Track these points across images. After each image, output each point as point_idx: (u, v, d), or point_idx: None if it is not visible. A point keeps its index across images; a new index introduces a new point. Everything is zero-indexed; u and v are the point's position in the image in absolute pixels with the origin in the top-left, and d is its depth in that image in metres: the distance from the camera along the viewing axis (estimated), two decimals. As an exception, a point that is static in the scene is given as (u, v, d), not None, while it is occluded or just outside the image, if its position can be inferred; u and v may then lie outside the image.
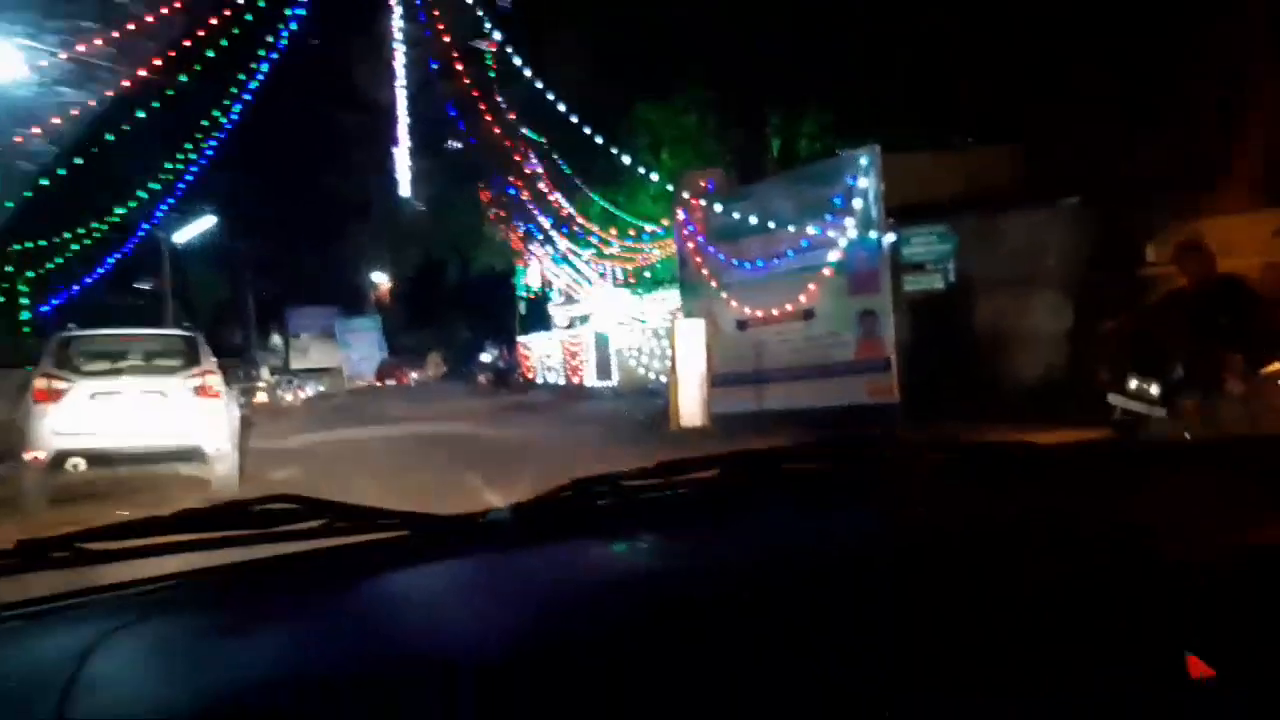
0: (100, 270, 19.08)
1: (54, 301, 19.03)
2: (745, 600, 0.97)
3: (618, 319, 24.27)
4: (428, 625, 1.00)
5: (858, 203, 12.06)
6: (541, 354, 26.67)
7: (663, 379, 20.70)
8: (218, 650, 0.97)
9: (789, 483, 1.47)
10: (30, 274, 18.00)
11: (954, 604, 0.96)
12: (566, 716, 0.80)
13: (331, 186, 31.54)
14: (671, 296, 23.24)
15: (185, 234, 27.41)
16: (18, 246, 17.25)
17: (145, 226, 19.68)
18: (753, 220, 13.31)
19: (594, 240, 20.70)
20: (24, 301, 18.11)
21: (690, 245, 14.22)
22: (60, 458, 7.97)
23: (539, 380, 26.77)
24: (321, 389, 35.00)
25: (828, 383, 12.15)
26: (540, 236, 23.48)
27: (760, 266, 13.26)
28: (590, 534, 1.31)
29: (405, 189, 24.90)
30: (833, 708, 0.83)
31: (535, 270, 29.35)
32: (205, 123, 17.63)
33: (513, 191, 20.55)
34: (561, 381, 24.56)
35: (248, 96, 17.79)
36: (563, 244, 22.58)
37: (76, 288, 18.86)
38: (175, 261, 27.60)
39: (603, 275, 24.45)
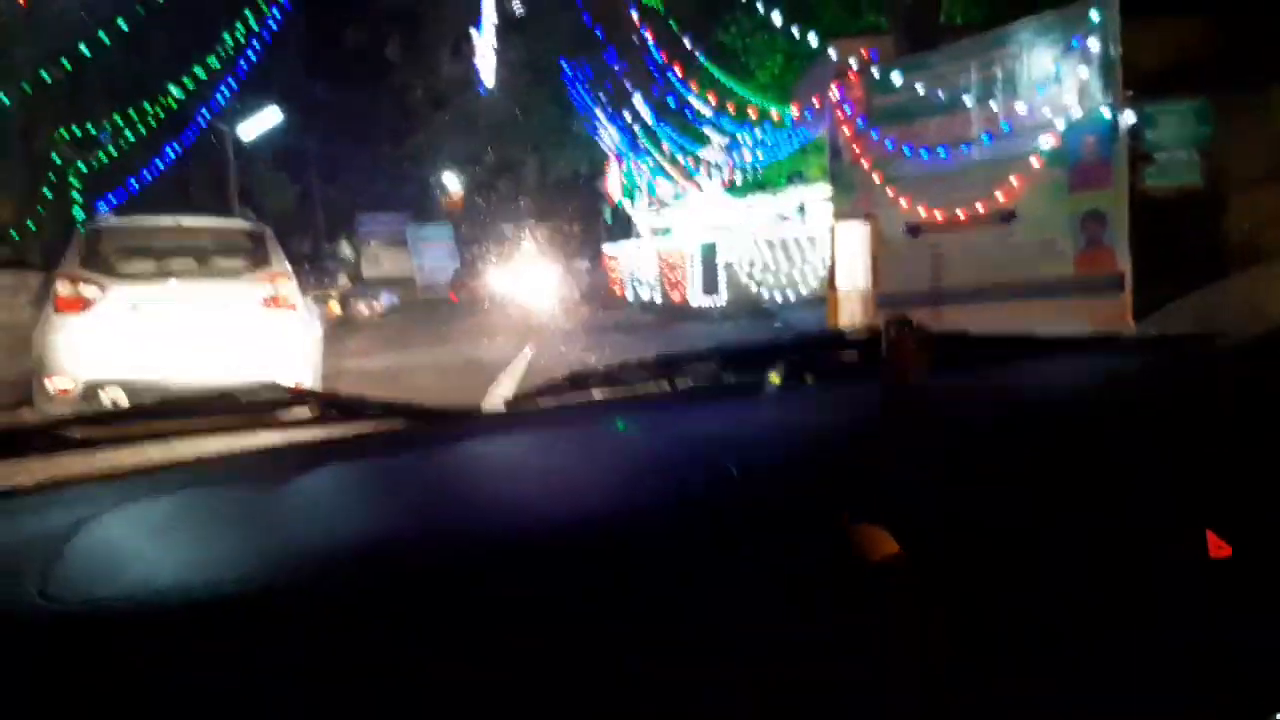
0: (159, 162, 17.10)
1: (110, 198, 17.12)
2: (737, 480, 0.94)
3: (709, 226, 21.94)
4: (421, 507, 0.96)
5: (1084, 71, 9.50)
6: (632, 267, 24.35)
7: (777, 296, 18.44)
8: (205, 531, 0.94)
9: (789, 371, 1.37)
10: (81, 165, 16.07)
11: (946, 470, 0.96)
12: (557, 600, 0.76)
13: (402, 79, 29.20)
14: (776, 201, 20.86)
15: (250, 129, 25.46)
16: (65, 133, 15.28)
17: (205, 114, 17.61)
18: (934, 96, 10.78)
19: (707, 128, 18.19)
20: (75, 196, 16.23)
21: (847, 130, 11.74)
22: (91, 389, 5.98)
23: (629, 297, 24.54)
24: (394, 300, 33.47)
25: (1034, 304, 9.76)
26: (633, 129, 20.96)
27: (943, 156, 10.77)
28: (585, 424, 1.24)
29: (488, 78, 22.41)
30: (839, 571, 0.81)
31: (615, 175, 26.94)
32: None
33: (614, 65, 18.03)
34: (657, 299, 22.29)
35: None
36: (662, 136, 20.09)
37: (134, 181, 16.93)
38: (240, 161, 25.77)
39: (696, 175, 21.93)
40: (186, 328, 6.33)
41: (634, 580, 0.77)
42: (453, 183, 41.09)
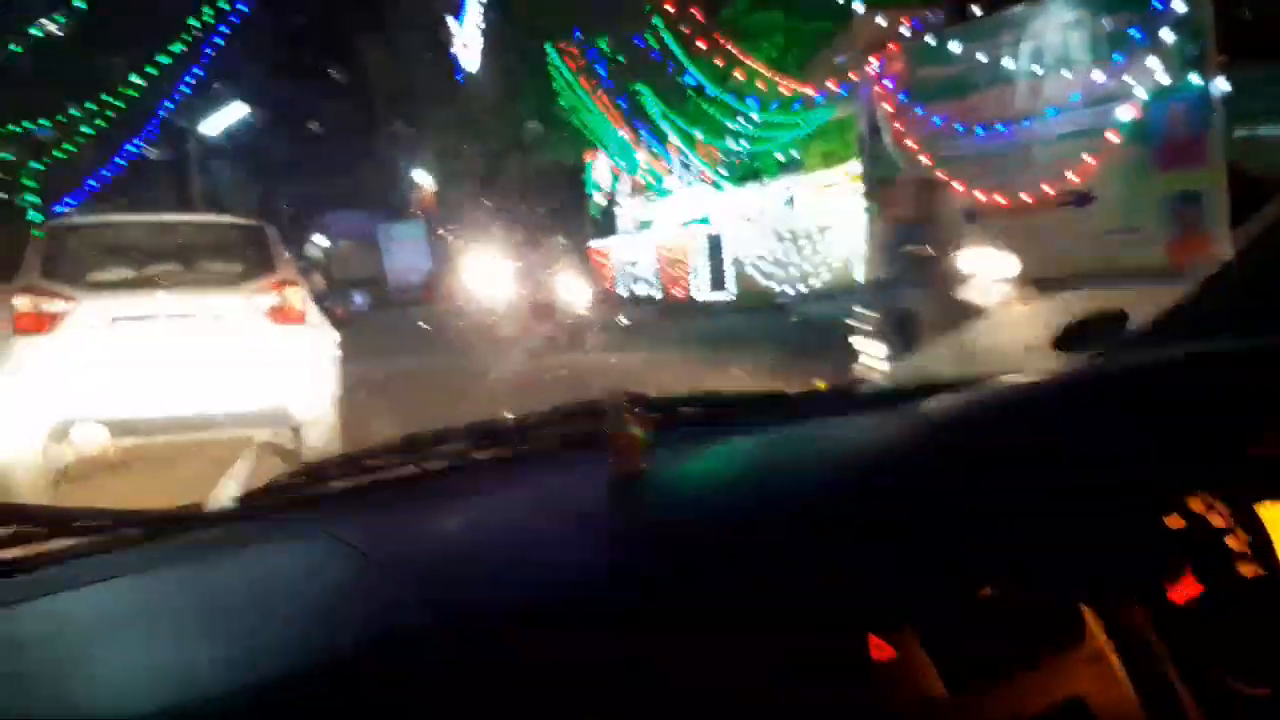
0: (119, 160, 15.74)
1: (69, 201, 15.76)
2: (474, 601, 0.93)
3: (699, 218, 20.99)
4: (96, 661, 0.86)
5: (1168, 34, 8.55)
6: (624, 261, 23.23)
7: (789, 290, 17.41)
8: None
9: (542, 451, 1.39)
10: (35, 164, 14.67)
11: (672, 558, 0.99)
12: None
13: (374, 71, 27.77)
14: (765, 191, 19.83)
15: (212, 125, 24.07)
16: (15, 128, 13.87)
17: (168, 105, 16.27)
18: (991, 67, 9.81)
19: (705, 110, 17.15)
20: (31, 199, 14.83)
21: (887, 106, 10.72)
22: (60, 431, 4.79)
23: (621, 293, 23.42)
24: (366, 302, 32.29)
25: (1115, 295, 8.82)
26: (623, 116, 19.84)
27: (1001, 132, 9.80)
28: (316, 523, 1.15)
29: (470, 64, 20.97)
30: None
31: (602, 166, 25.85)
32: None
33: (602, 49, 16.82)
34: (654, 294, 21.19)
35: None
36: (653, 124, 19.00)
37: (92, 183, 15.56)
38: (201, 160, 24.40)
39: (687, 165, 20.90)
40: (176, 348, 5.17)
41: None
42: (425, 178, 39.71)
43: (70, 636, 0.92)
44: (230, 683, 0.79)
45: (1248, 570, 1.10)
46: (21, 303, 5.14)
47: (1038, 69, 9.52)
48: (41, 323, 5.11)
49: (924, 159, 10.24)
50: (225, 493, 1.19)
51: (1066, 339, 1.49)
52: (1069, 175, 9.10)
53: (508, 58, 21.39)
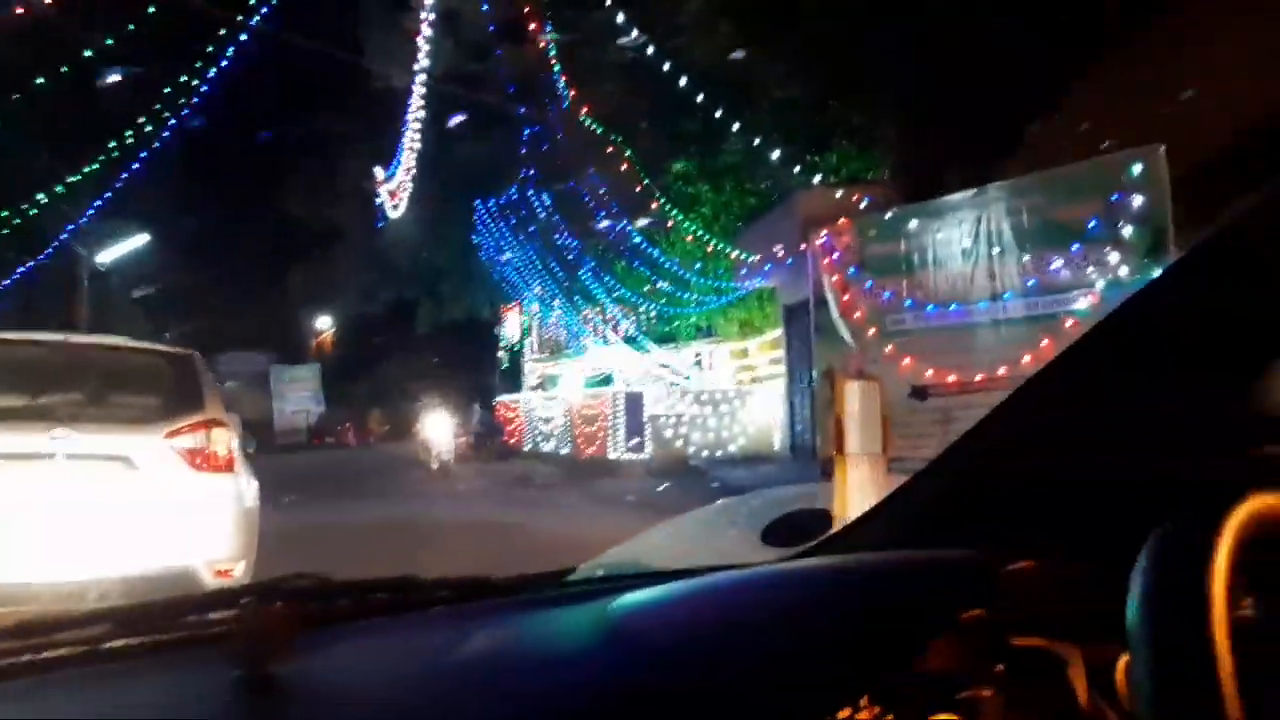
0: (5, 283, 14.54)
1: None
2: None
3: (589, 377, 20.97)
4: None
5: (1127, 228, 8.68)
6: (537, 416, 22.54)
7: (704, 454, 16.99)
8: None
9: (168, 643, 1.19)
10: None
11: None
12: None
13: (289, 212, 27.18)
14: (679, 354, 19.84)
15: (111, 254, 22.88)
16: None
17: (66, 232, 15.26)
18: (944, 246, 9.82)
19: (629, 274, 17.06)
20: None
21: (835, 278, 10.60)
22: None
23: (527, 447, 22.64)
24: (248, 444, 30.35)
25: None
26: (545, 272, 19.67)
27: (954, 311, 9.72)
28: None
29: (393, 212, 20.56)
30: None
31: (514, 321, 25.66)
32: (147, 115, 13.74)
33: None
34: (564, 450, 20.48)
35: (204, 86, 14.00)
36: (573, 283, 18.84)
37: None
38: (94, 289, 23.07)
39: (604, 323, 20.86)
40: (71, 496, 4.25)
41: None
42: (326, 322, 38.65)
43: None
44: None
45: None
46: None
47: (992, 252, 9.55)
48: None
49: (870, 333, 10.07)
50: None
51: (772, 533, 1.52)
52: (1024, 358, 8.97)
53: (434, 209, 21.12)
